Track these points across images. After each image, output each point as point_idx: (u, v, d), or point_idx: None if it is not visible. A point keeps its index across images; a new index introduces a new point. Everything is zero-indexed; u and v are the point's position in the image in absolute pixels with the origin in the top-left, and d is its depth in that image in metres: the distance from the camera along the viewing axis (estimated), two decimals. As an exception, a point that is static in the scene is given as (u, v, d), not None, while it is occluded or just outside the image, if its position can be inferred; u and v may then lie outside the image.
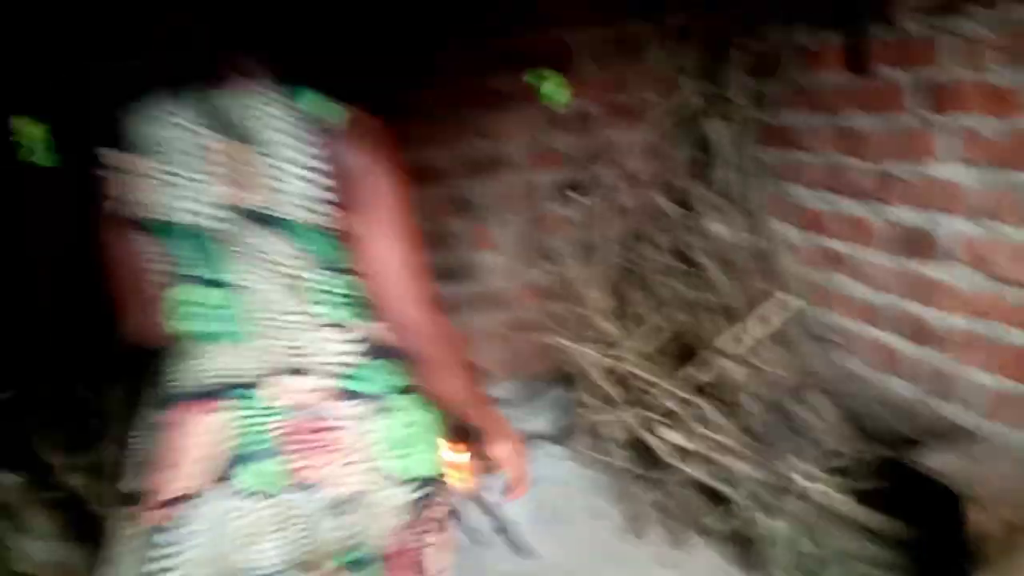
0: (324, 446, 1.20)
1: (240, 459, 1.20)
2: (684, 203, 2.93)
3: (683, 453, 2.31)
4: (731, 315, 2.62)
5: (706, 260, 2.73)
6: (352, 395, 1.23)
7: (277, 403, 1.21)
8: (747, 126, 2.89)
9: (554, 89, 3.26)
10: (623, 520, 2.52)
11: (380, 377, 1.25)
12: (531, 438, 2.97)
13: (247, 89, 1.18)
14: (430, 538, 1.31)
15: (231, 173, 1.16)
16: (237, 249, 1.19)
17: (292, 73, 1.20)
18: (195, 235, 1.18)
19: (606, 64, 3.18)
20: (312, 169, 1.15)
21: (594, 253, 2.89)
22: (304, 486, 1.20)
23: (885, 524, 2.21)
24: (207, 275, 1.21)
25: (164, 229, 1.20)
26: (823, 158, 2.68)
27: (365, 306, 1.24)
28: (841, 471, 2.31)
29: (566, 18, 3.10)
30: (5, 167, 2.67)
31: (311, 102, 1.19)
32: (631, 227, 2.98)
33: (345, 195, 1.17)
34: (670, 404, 2.37)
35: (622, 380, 2.60)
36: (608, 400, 2.49)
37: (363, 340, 1.24)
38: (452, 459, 1.87)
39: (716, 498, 2.35)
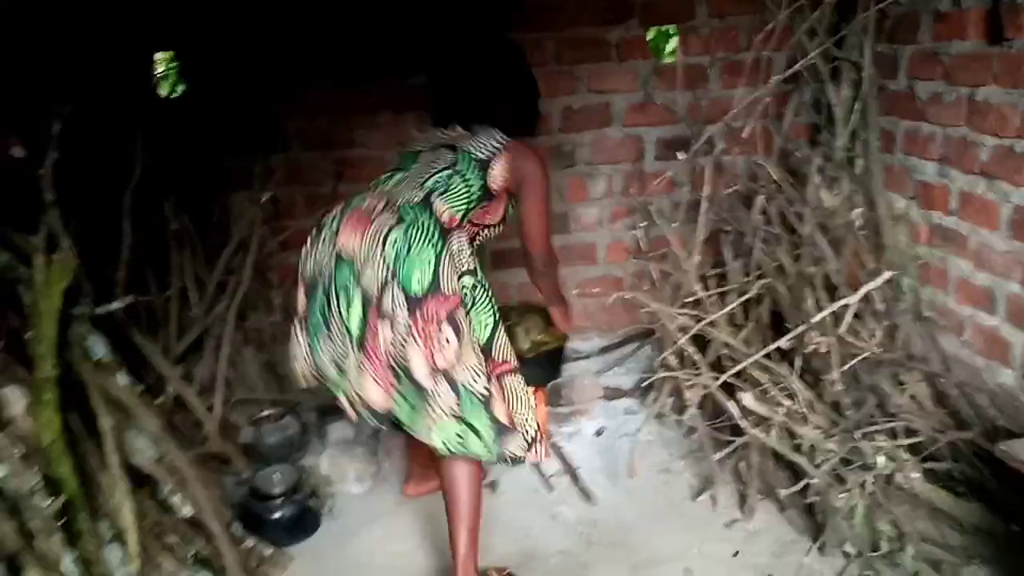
0: (356, 229, 2.00)
1: (332, 225, 2.06)
2: (794, 169, 2.83)
3: (761, 420, 2.27)
4: (832, 288, 2.55)
5: (811, 230, 2.63)
6: (398, 220, 1.99)
7: (362, 206, 2.05)
8: (871, 92, 2.75)
9: (667, 43, 3.20)
10: (694, 481, 2.52)
11: (418, 221, 1.99)
12: (611, 393, 3.00)
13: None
14: (432, 337, 1.91)
15: (457, 142, 2.17)
16: (430, 158, 2.17)
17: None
18: (414, 156, 2.21)
19: (726, 19, 3.09)
20: (492, 145, 2.15)
21: (693, 214, 2.83)
22: (338, 248, 2.00)
23: (967, 511, 2.14)
24: (406, 167, 2.19)
25: (407, 155, 2.23)
26: (950, 131, 2.53)
27: (449, 200, 2.07)
28: (926, 454, 2.23)
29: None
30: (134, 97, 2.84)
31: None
32: (735, 190, 2.90)
33: (513, 177, 2.15)
34: (753, 371, 2.34)
35: (708, 343, 2.57)
36: (691, 362, 2.47)
37: (428, 208, 2.04)
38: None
39: (791, 468, 2.31)
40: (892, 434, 2.25)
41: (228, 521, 2.23)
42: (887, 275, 2.27)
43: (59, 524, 1.81)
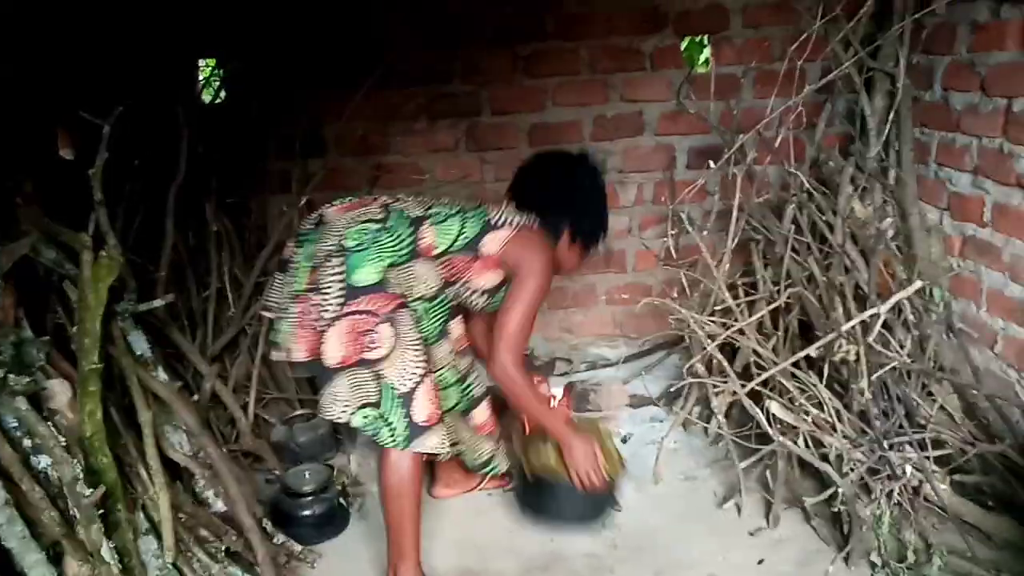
0: (345, 208, 2.15)
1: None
2: (826, 179, 2.82)
3: (788, 429, 2.27)
4: (862, 298, 2.54)
5: (842, 239, 2.63)
6: (383, 218, 2.08)
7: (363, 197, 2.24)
8: (905, 103, 2.74)
9: (700, 53, 3.21)
10: (719, 488, 2.52)
11: (397, 230, 2.06)
12: (638, 400, 3.01)
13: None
14: (361, 329, 1.96)
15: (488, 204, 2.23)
16: (454, 199, 2.26)
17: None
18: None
19: (760, 29, 3.10)
20: (511, 220, 2.16)
21: (724, 222, 2.84)
22: (323, 214, 2.16)
23: (996, 525, 2.12)
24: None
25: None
26: (986, 142, 2.52)
27: (438, 230, 2.09)
28: (955, 466, 2.22)
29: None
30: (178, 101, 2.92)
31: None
32: (767, 199, 2.91)
33: (509, 256, 2.12)
34: (781, 379, 2.34)
35: (736, 351, 2.58)
36: (719, 370, 2.48)
37: (415, 227, 2.08)
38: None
39: (817, 477, 2.31)
40: (920, 445, 2.24)
41: (259, 517, 2.28)
42: (917, 285, 2.26)
43: (98, 513, 1.87)
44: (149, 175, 2.79)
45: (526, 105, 3.14)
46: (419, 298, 2.09)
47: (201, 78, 3.20)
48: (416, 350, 2.03)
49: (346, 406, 2.02)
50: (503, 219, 2.15)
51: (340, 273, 1.98)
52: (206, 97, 3.21)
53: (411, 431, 2.01)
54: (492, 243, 2.12)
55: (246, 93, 3.05)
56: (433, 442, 2.04)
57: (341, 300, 1.97)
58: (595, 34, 3.07)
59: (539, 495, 2.31)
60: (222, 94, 3.13)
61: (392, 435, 2.01)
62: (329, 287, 1.98)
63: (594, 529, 2.32)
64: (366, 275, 1.98)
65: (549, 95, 3.14)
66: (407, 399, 2.00)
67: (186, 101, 2.99)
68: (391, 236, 2.03)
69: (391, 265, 2.02)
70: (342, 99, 3.03)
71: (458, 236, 2.10)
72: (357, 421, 2.02)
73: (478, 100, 3.14)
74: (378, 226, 2.04)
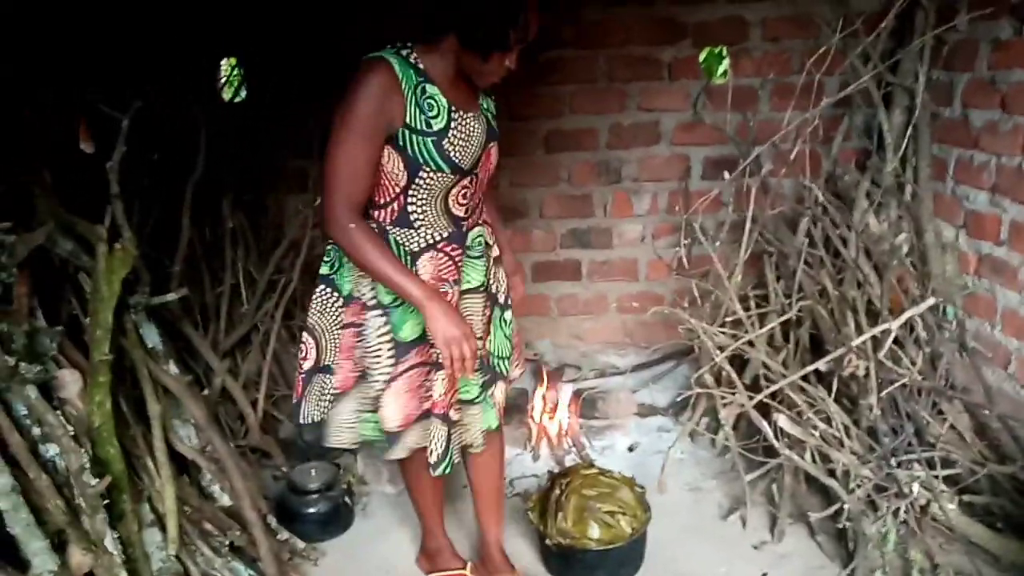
0: None
1: None
2: (841, 193, 2.81)
3: (796, 443, 2.26)
4: (874, 314, 2.52)
5: (855, 254, 2.61)
6: None
7: None
8: (923, 119, 2.72)
9: (719, 64, 3.21)
10: (724, 501, 2.51)
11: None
12: (646, 409, 3.00)
13: None
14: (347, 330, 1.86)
15: None
16: None
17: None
18: None
19: (779, 42, 3.10)
20: None
21: (737, 234, 2.83)
22: None
23: (1004, 546, 2.09)
24: None
25: None
26: (1004, 160, 2.50)
27: None
28: (964, 486, 2.19)
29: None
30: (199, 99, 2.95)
31: None
32: (781, 212, 2.90)
33: None
34: (790, 393, 2.32)
35: (745, 363, 2.57)
36: (728, 381, 2.47)
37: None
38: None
39: (824, 493, 2.29)
40: (929, 464, 2.22)
41: (264, 513, 2.29)
42: (930, 302, 2.25)
43: (104, 504, 1.88)
44: (167, 170, 2.82)
45: (543, 111, 3.14)
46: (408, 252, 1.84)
47: (222, 76, 3.23)
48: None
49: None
50: None
51: (386, 331, 1.82)
52: (226, 95, 3.24)
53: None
54: None
55: (266, 92, 3.07)
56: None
57: (392, 359, 1.82)
58: (613, 43, 3.07)
59: (566, 564, 2.20)
60: (242, 92, 3.16)
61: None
62: (379, 348, 1.82)
63: None
64: (410, 329, 1.81)
65: (566, 102, 3.14)
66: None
67: (206, 98, 3.02)
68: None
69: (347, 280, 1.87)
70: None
71: None
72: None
73: (495, 105, 3.15)
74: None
